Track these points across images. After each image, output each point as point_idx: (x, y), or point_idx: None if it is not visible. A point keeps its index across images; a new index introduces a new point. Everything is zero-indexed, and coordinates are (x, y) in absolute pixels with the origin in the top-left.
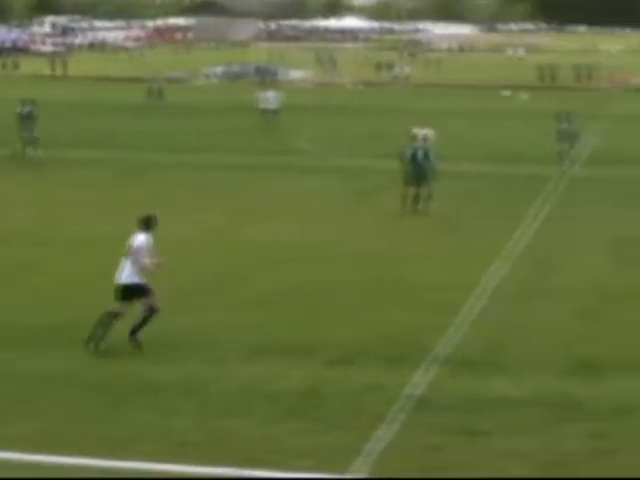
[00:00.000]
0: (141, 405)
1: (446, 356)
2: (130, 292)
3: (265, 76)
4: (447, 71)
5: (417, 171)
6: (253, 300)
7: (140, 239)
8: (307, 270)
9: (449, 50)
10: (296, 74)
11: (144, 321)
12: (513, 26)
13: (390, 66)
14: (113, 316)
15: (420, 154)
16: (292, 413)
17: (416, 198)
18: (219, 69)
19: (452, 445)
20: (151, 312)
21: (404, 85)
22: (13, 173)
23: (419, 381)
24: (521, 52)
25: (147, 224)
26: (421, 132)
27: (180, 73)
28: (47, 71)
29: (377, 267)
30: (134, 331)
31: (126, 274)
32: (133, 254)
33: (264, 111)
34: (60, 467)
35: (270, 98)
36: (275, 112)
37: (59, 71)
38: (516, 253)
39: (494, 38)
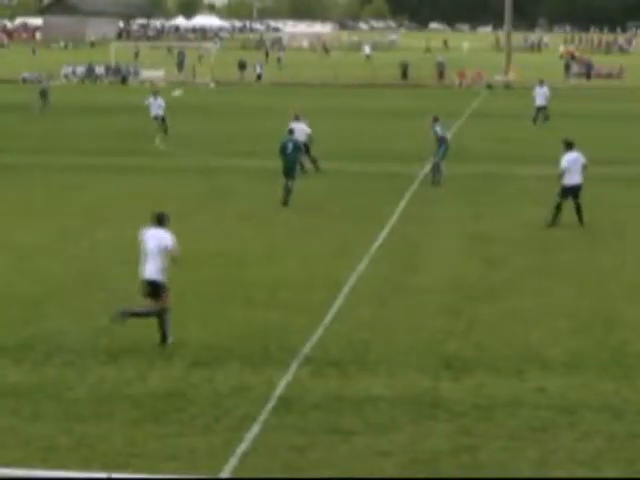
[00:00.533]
0: (4, 410)
1: (309, 356)
2: (156, 288)
3: (120, 76)
4: (299, 70)
5: (286, 164)
6: (110, 302)
7: (167, 235)
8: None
9: (303, 49)
10: (150, 74)
11: (148, 313)
12: (366, 24)
13: (245, 65)
14: (162, 313)
15: (290, 147)
16: (155, 416)
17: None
18: (76, 69)
19: (316, 445)
20: (164, 314)
21: (258, 84)
22: None
23: (283, 381)
24: (367, 50)
25: (160, 220)
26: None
27: (36, 74)
28: None
29: (235, 266)
30: (165, 336)
31: (155, 270)
32: (171, 251)
33: (155, 117)
34: None
35: (157, 104)
36: (164, 118)
37: None
38: (377, 252)
39: (348, 36)
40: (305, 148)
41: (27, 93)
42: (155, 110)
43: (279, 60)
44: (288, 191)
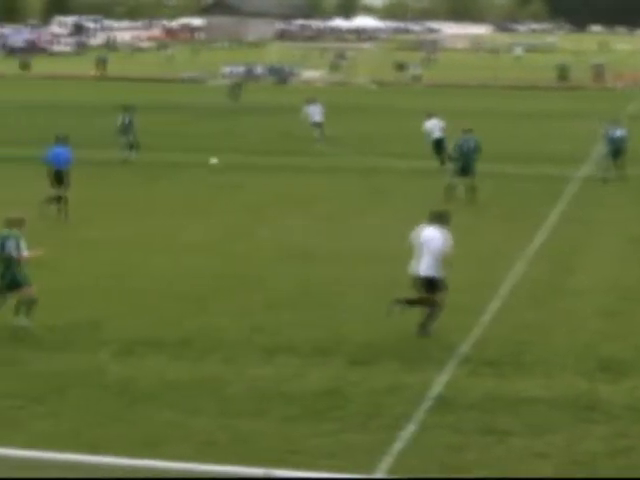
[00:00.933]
0: (164, 404)
1: (467, 356)
2: (432, 284)
3: (279, 76)
4: (456, 71)
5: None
6: (268, 301)
7: (444, 235)
8: (322, 270)
9: (462, 50)
10: (310, 74)
11: (431, 317)
12: (525, 26)
13: (403, 66)
14: (433, 305)
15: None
16: (313, 413)
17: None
18: (236, 69)
19: (472, 445)
20: (434, 307)
21: (417, 85)
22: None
23: (440, 381)
24: (518, 52)
25: (440, 219)
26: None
27: (196, 73)
28: (92, 71)
29: (393, 267)
30: (424, 326)
31: (430, 266)
32: (445, 251)
33: (314, 124)
34: (80, 466)
35: (315, 111)
36: (320, 125)
37: (100, 71)
38: (535, 253)
39: (506, 38)
40: (439, 144)
41: (187, 93)
42: (314, 117)
43: (435, 61)
44: (473, 189)
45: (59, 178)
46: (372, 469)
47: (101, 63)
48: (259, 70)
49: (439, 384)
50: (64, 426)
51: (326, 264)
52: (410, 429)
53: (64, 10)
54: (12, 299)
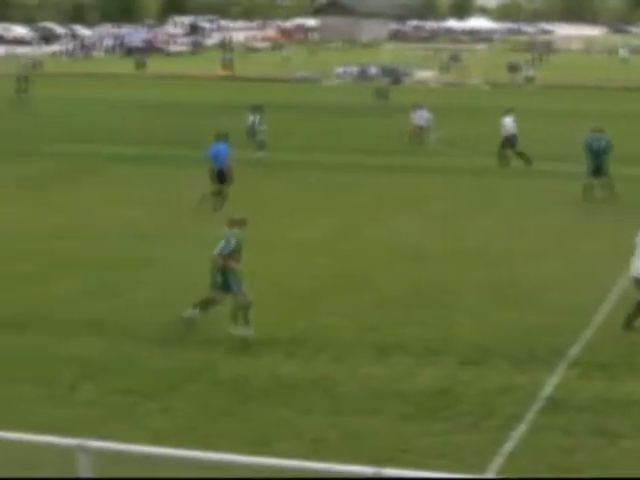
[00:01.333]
0: (276, 402)
1: (577, 357)
2: None
3: (393, 76)
4: (569, 72)
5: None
6: (379, 300)
7: None
8: (433, 270)
9: (575, 51)
10: (423, 74)
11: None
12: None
13: (516, 67)
14: None
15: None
16: (424, 413)
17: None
18: (349, 69)
19: (583, 446)
20: None
21: (529, 86)
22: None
23: (551, 382)
24: (623, 53)
25: None
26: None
27: (310, 73)
28: (220, 71)
29: (504, 267)
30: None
31: None
32: None
33: (418, 127)
34: (194, 462)
35: (420, 116)
36: (423, 129)
37: (228, 71)
38: None
39: (620, 39)
40: (513, 140)
41: (302, 92)
42: (418, 121)
43: (547, 62)
44: (611, 187)
45: (220, 175)
46: (482, 469)
47: (228, 63)
48: (373, 70)
49: (550, 385)
50: (178, 422)
51: (437, 264)
52: (521, 430)
53: (180, 10)
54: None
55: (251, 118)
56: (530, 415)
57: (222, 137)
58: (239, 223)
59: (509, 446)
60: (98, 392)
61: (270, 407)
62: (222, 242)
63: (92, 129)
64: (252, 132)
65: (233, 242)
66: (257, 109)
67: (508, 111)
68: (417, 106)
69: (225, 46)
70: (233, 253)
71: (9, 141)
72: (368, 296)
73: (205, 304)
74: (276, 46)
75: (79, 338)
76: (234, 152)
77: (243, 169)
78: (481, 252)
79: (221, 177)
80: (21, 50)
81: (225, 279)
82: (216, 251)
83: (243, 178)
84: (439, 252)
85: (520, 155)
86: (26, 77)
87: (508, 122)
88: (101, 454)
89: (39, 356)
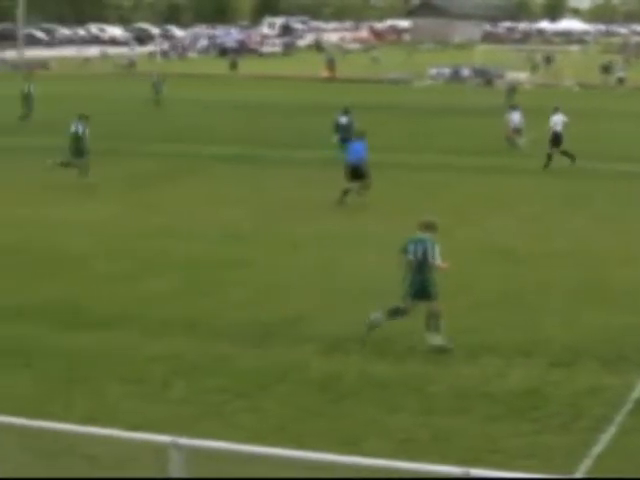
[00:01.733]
0: (366, 401)
1: None
2: None
3: (485, 78)
4: None
5: None
6: (471, 301)
7: None
8: (525, 271)
9: None
10: (515, 76)
11: None
12: None
13: (609, 68)
14: None
15: None
16: (513, 413)
17: None
18: (442, 70)
19: None
20: None
21: (621, 88)
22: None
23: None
24: None
25: None
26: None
27: (402, 74)
28: (324, 73)
29: (595, 268)
30: None
31: None
32: None
33: (515, 129)
34: (285, 461)
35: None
36: (519, 131)
37: (331, 73)
38: None
39: None
40: (558, 137)
41: (394, 93)
42: (514, 122)
43: (639, 63)
44: None
45: (356, 173)
46: (570, 470)
47: (331, 64)
48: (465, 72)
49: (639, 388)
50: (269, 421)
51: (529, 265)
52: (610, 432)
53: (273, 11)
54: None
55: (344, 119)
56: (619, 417)
57: (360, 135)
58: (431, 227)
59: (598, 448)
60: (190, 390)
61: (360, 406)
62: (422, 247)
63: (189, 129)
64: (337, 131)
65: (433, 248)
66: (348, 112)
67: (555, 109)
68: (512, 107)
69: (319, 47)
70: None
71: (114, 140)
72: (460, 297)
73: (394, 312)
74: (368, 47)
75: (171, 337)
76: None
77: (329, 170)
78: (572, 253)
79: (356, 174)
80: (114, 51)
81: (424, 286)
82: (431, 258)
83: (334, 179)
84: (531, 253)
85: (564, 153)
86: (157, 83)
87: (556, 120)
88: (193, 452)
89: (131, 354)
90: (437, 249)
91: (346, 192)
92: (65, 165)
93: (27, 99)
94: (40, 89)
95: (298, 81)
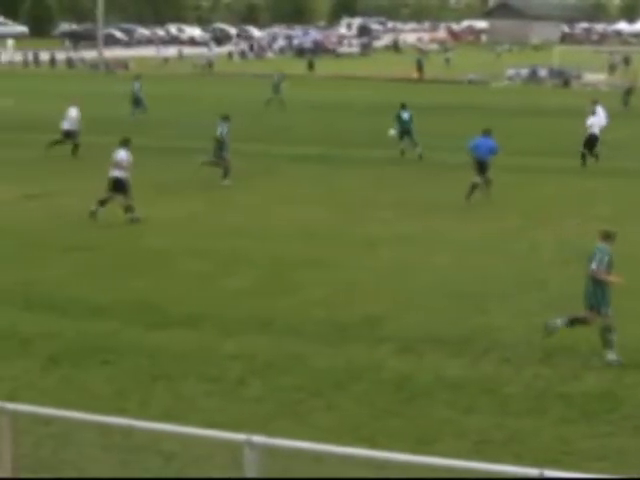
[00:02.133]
0: (440, 402)
1: None
2: None
3: (562, 78)
4: None
5: None
6: (548, 301)
7: None
8: None
9: None
10: (592, 77)
11: None
12: None
13: None
14: None
15: None
16: (587, 415)
17: None
18: (520, 71)
19: None
20: None
21: None
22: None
23: None
24: None
25: None
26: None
27: (481, 75)
28: (414, 74)
29: None
30: None
31: None
32: None
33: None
34: (359, 460)
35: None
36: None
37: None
38: None
39: None
40: (593, 140)
41: (472, 94)
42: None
43: None
44: None
45: (481, 167)
46: None
47: (420, 65)
48: (542, 72)
49: None
50: (343, 420)
51: None
52: None
53: (350, 12)
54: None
55: (405, 115)
56: None
57: (486, 132)
58: (609, 237)
59: None
60: (265, 389)
61: (435, 406)
62: (597, 255)
63: (266, 128)
64: (407, 131)
65: (606, 258)
66: (404, 107)
67: (594, 102)
68: (596, 103)
69: (397, 48)
70: (607, 268)
71: (191, 139)
72: (537, 297)
73: (574, 321)
74: (445, 48)
75: (247, 335)
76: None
77: (398, 170)
78: None
79: (481, 168)
80: (191, 51)
81: (585, 295)
82: (593, 265)
83: (403, 179)
84: None
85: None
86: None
87: (596, 120)
88: (267, 450)
89: (208, 352)
90: (605, 259)
91: (474, 187)
92: (211, 165)
93: (136, 98)
94: (123, 89)
95: (376, 81)
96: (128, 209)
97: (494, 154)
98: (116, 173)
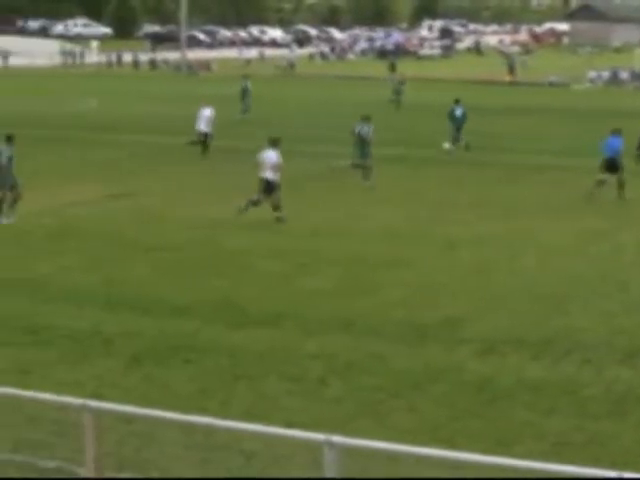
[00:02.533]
0: (520, 403)
1: None
2: None
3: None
4: None
5: None
6: (631, 303)
7: None
8: None
9: None
10: None
11: None
12: None
13: None
14: None
15: None
16: None
17: None
18: (601, 74)
19: None
20: None
21: None
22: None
23: None
24: None
25: None
26: None
27: (562, 78)
28: (507, 77)
29: None
30: None
31: None
32: None
33: None
34: (435, 461)
35: None
36: None
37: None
38: None
39: None
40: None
41: (552, 96)
42: None
43: None
44: None
45: (610, 165)
46: None
47: (511, 68)
48: (623, 75)
49: None
50: (423, 421)
51: None
52: None
53: (432, 14)
54: None
55: (458, 111)
56: None
57: (616, 132)
58: None
59: None
60: (346, 389)
61: (514, 408)
62: None
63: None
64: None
65: None
66: (458, 103)
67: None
68: None
69: (479, 50)
70: None
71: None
72: (618, 299)
73: None
74: (526, 50)
75: (328, 335)
76: None
77: (478, 171)
78: None
79: (612, 167)
80: (272, 52)
81: None
82: None
83: (483, 181)
84: None
85: None
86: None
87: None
88: (347, 450)
89: (289, 352)
90: None
91: (600, 183)
92: (356, 167)
93: (245, 96)
94: (207, 90)
95: (458, 83)
96: (276, 208)
97: (619, 154)
98: (267, 175)
